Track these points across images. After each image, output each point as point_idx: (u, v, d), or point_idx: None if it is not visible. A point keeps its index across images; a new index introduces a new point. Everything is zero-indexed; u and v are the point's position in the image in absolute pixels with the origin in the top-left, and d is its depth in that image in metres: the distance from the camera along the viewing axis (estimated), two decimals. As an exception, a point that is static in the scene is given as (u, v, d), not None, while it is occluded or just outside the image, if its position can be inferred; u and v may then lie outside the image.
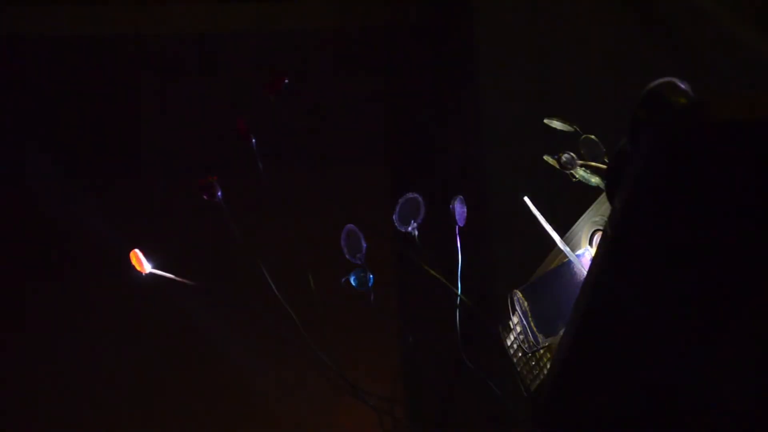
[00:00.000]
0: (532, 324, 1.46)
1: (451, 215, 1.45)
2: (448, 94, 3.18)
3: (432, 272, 1.40)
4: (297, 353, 1.38)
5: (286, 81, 1.37)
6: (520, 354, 1.51)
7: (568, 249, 1.48)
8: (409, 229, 1.42)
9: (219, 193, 1.39)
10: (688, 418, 1.34)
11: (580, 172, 1.54)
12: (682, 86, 1.15)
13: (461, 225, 1.45)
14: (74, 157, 3.60)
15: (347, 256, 1.41)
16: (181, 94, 3.35)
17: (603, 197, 1.48)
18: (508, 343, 1.55)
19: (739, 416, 1.32)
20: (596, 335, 1.27)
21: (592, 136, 1.56)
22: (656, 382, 1.32)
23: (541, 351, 1.47)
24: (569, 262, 1.48)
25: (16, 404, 3.34)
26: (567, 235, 1.52)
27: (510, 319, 1.52)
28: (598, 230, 1.49)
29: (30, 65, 3.24)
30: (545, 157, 1.58)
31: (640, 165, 1.02)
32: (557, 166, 1.54)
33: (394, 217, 1.42)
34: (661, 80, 1.16)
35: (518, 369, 1.52)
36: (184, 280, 1.42)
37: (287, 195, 1.44)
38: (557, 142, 1.62)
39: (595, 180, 1.54)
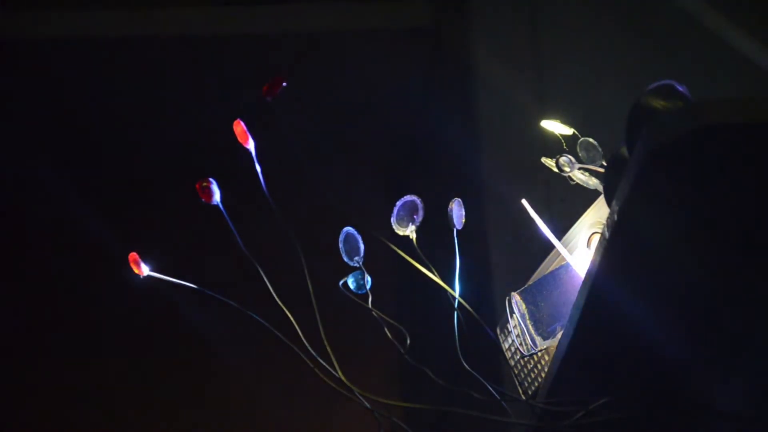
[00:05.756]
0: (530, 327, 1.46)
1: (448, 218, 1.45)
2: (445, 96, 3.18)
3: (430, 275, 1.40)
4: (295, 356, 1.37)
5: (285, 84, 1.37)
6: (518, 357, 1.51)
7: (566, 252, 1.48)
8: (407, 231, 1.42)
9: (217, 196, 1.39)
10: (688, 419, 1.34)
11: (578, 175, 1.54)
12: (680, 89, 1.15)
13: (459, 227, 1.45)
14: (73, 159, 3.60)
15: (345, 259, 1.41)
16: (179, 96, 3.35)
17: (601, 200, 1.48)
18: (506, 346, 1.55)
19: (738, 417, 1.32)
20: (594, 338, 1.27)
21: (591, 139, 1.56)
22: (654, 384, 1.32)
23: (539, 354, 1.46)
24: (567, 265, 1.48)
25: (14, 405, 3.34)
26: (565, 237, 1.52)
27: (508, 322, 1.52)
28: (595, 233, 1.49)
29: (27, 68, 3.24)
30: (543, 160, 1.58)
31: (637, 168, 1.02)
32: (555, 169, 1.54)
33: (392, 219, 1.42)
34: (659, 83, 1.16)
35: (516, 372, 1.52)
36: (182, 283, 1.42)
37: (285, 197, 1.44)
38: (555, 144, 1.62)
39: (593, 183, 1.54)
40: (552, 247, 1.52)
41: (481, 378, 1.40)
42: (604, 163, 1.52)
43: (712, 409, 1.32)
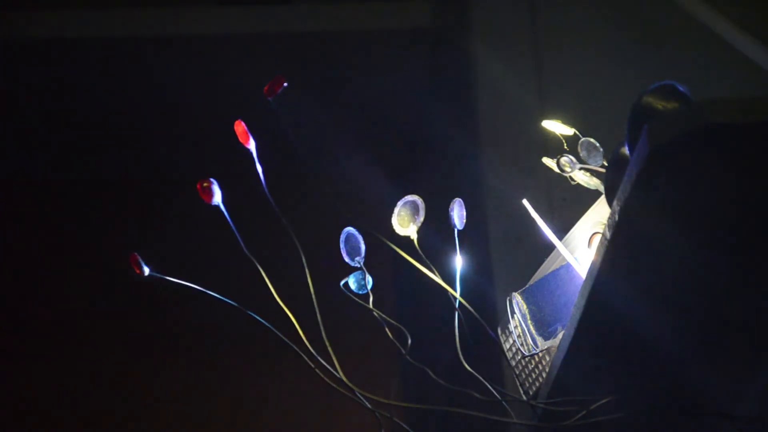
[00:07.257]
0: (531, 327, 1.46)
1: (450, 218, 1.45)
2: (445, 96, 3.18)
3: (431, 275, 1.40)
4: (296, 356, 1.38)
5: (285, 84, 1.37)
6: (519, 357, 1.51)
7: (567, 252, 1.48)
8: (408, 231, 1.42)
9: (218, 196, 1.39)
10: (688, 419, 1.34)
11: (579, 175, 1.54)
12: (681, 89, 1.15)
13: (460, 228, 1.45)
14: (73, 159, 3.61)
15: (346, 259, 1.41)
16: (180, 96, 3.35)
17: (602, 200, 1.48)
18: (507, 346, 1.55)
19: (738, 417, 1.32)
20: (595, 338, 1.27)
21: (591, 139, 1.56)
22: (655, 384, 1.32)
23: (540, 354, 1.46)
24: (568, 265, 1.48)
25: (13, 406, 3.34)
26: (566, 238, 1.52)
27: (509, 322, 1.52)
28: (596, 233, 1.49)
29: (29, 67, 3.24)
30: (544, 160, 1.58)
31: (638, 168, 1.02)
32: (556, 169, 1.54)
33: (393, 219, 1.42)
34: (660, 83, 1.16)
35: (517, 372, 1.52)
36: (183, 283, 1.42)
37: (286, 198, 1.44)
38: (556, 144, 1.62)
39: (594, 183, 1.54)
40: (553, 247, 1.52)
41: (482, 378, 1.40)
42: (605, 163, 1.52)
43: (713, 409, 1.32)
